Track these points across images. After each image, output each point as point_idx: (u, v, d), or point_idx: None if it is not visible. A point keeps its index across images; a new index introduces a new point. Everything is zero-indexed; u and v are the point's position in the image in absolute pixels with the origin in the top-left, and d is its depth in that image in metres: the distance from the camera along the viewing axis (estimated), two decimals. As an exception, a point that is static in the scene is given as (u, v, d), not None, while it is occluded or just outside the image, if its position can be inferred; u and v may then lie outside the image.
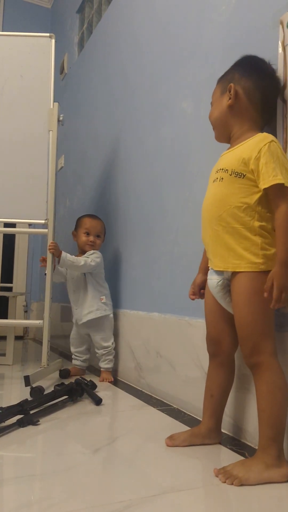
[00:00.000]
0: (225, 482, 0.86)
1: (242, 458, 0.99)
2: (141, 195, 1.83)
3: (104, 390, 1.63)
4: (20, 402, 1.26)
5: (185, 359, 1.40)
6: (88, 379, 1.58)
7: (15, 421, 1.19)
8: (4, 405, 1.25)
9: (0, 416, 1.17)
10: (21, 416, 1.21)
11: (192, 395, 1.35)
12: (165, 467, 0.95)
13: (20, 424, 1.18)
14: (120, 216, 2.04)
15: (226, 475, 0.87)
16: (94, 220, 1.95)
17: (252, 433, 1.08)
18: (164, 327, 1.55)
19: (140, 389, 1.67)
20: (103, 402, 1.43)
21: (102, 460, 0.98)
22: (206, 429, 1.09)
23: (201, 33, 1.46)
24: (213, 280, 1.08)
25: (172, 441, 1.07)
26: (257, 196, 0.97)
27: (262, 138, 0.98)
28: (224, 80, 1.11)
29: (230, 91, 1.06)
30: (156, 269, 1.67)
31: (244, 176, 0.98)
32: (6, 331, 2.25)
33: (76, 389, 1.46)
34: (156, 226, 1.69)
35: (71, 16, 3.20)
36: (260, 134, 1.01)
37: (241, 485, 0.84)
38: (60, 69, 3.29)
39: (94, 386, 1.57)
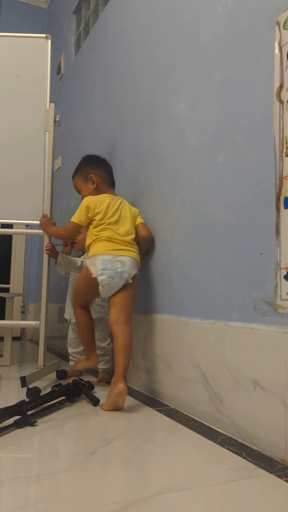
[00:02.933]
0: None
1: (240, 458, 1.00)
2: (137, 196, 1.83)
3: (101, 390, 1.63)
4: (17, 403, 1.26)
5: (182, 360, 1.40)
6: (86, 380, 1.58)
7: (12, 422, 1.18)
8: (1, 406, 1.25)
9: (-3, 417, 1.17)
10: (19, 417, 1.21)
11: (190, 396, 1.35)
12: (162, 467, 0.95)
13: (18, 425, 1.18)
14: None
15: (76, 363, 1.73)
16: None
17: (251, 434, 1.08)
18: (161, 327, 1.55)
19: (137, 390, 1.67)
20: (100, 402, 1.43)
21: (99, 461, 0.98)
22: (92, 360, 1.67)
23: (197, 34, 1.46)
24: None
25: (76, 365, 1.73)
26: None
27: None
28: (81, 173, 1.82)
29: (92, 179, 1.76)
30: (152, 269, 1.67)
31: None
32: (4, 332, 2.25)
33: (74, 390, 1.46)
34: (152, 227, 1.69)
35: (67, 16, 3.20)
36: None
37: None
38: (57, 70, 3.29)
39: (91, 386, 1.57)
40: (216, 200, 1.31)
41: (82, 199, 1.71)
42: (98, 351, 1.87)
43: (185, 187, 1.49)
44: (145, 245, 1.69)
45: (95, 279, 1.53)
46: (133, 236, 1.64)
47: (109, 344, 1.89)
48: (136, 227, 1.68)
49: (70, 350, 2.02)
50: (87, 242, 1.64)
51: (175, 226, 1.53)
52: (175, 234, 1.53)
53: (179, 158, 1.54)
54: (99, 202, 1.64)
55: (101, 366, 1.87)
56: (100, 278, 1.52)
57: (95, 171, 1.76)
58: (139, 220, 1.70)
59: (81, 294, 1.65)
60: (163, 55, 1.69)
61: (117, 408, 1.37)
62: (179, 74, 1.56)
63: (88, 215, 1.62)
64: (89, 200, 1.65)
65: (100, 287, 1.53)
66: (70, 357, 2.01)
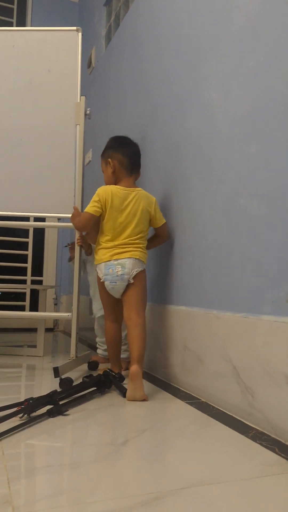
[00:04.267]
0: None
1: (272, 453, 0.98)
2: (168, 188, 1.82)
3: (132, 382, 1.64)
4: (50, 393, 1.29)
5: (213, 353, 1.38)
6: (116, 372, 1.59)
7: (45, 411, 1.21)
8: (35, 395, 1.27)
9: (31, 406, 1.19)
10: (51, 406, 1.23)
11: (221, 389, 1.34)
12: (193, 460, 0.95)
13: (50, 414, 1.20)
14: (147, 209, 2.03)
15: None
16: None
17: (284, 429, 1.06)
18: (192, 320, 1.54)
19: (168, 382, 1.67)
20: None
21: (130, 452, 0.99)
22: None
23: (229, 20, 1.42)
24: None
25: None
26: None
27: None
28: (103, 156, 1.80)
29: (110, 164, 1.76)
30: (183, 262, 1.66)
31: None
32: (37, 324, 2.30)
33: (104, 381, 1.48)
34: (183, 219, 1.67)
35: (98, 9, 3.20)
36: None
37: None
38: (87, 63, 3.30)
39: (122, 378, 1.58)
40: (249, 191, 1.28)
41: (104, 180, 1.76)
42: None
43: (216, 178, 1.47)
44: (160, 243, 1.78)
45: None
46: (141, 234, 1.66)
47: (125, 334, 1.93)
48: (156, 230, 1.74)
49: (97, 339, 2.07)
50: (96, 245, 1.70)
51: (206, 218, 1.51)
52: (206, 226, 1.51)
53: (211, 149, 1.51)
54: (109, 197, 1.65)
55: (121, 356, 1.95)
56: (105, 283, 1.64)
57: (114, 155, 1.72)
58: (160, 217, 1.72)
59: (103, 300, 1.71)
60: (194, 43, 1.66)
61: (136, 394, 1.39)
62: (211, 62, 1.54)
63: (100, 206, 1.66)
64: (99, 193, 1.67)
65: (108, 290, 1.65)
66: (97, 345, 2.07)
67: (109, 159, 1.72)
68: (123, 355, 1.93)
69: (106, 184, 1.73)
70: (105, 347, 2.02)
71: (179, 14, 1.80)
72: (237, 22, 1.38)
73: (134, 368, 1.42)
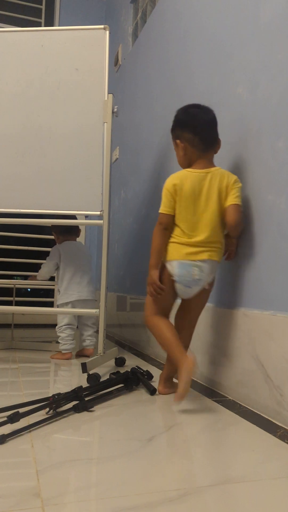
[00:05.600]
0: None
1: (301, 453, 0.96)
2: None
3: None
4: (75, 388, 1.30)
5: (241, 351, 1.37)
6: (145, 369, 1.60)
7: (70, 406, 1.23)
8: (63, 391, 1.29)
9: (57, 401, 1.21)
10: (77, 402, 1.25)
11: (248, 388, 1.32)
12: (221, 458, 0.94)
13: (76, 410, 1.22)
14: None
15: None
16: None
17: (312, 428, 1.04)
18: (219, 318, 1.53)
19: (196, 380, 1.67)
20: (157, 392, 1.44)
21: (157, 448, 0.99)
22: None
23: (256, 13, 1.40)
24: None
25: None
26: None
27: None
28: (172, 136, 1.49)
29: (179, 146, 1.45)
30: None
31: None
32: (65, 320, 2.33)
33: (132, 378, 1.49)
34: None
35: (125, 6, 3.20)
36: None
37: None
38: (114, 61, 3.31)
39: (150, 376, 1.58)
40: (276, 186, 1.26)
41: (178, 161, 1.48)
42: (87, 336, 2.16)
43: (244, 173, 1.45)
44: (234, 233, 1.43)
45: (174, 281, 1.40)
46: (218, 228, 1.38)
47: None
48: (225, 210, 1.38)
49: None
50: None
51: (234, 214, 1.50)
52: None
53: (239, 143, 1.49)
54: (178, 187, 1.37)
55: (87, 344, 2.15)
56: (176, 285, 1.40)
57: (183, 135, 1.42)
58: (231, 199, 1.37)
59: (164, 297, 1.42)
60: (221, 38, 1.64)
61: (186, 389, 1.23)
62: (238, 57, 1.51)
63: (171, 198, 1.39)
64: (167, 185, 1.40)
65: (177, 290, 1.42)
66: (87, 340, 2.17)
67: (178, 141, 1.44)
68: (84, 343, 2.13)
69: (180, 164, 1.47)
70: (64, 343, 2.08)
71: (205, 9, 1.78)
72: (265, 15, 1.36)
73: (191, 356, 1.27)
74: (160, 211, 1.41)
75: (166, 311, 1.46)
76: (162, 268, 1.42)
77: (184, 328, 1.47)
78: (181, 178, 1.39)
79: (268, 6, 1.34)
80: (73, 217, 2.14)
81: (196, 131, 1.40)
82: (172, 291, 1.42)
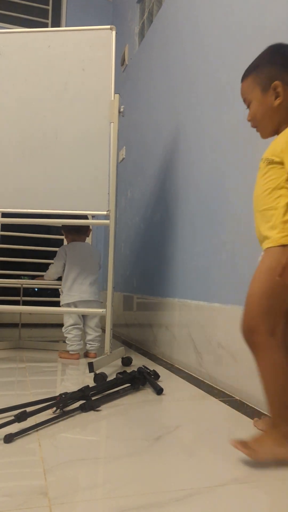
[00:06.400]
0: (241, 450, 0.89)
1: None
2: (202, 184, 1.81)
3: (165, 379, 1.64)
4: (82, 388, 1.30)
5: (247, 351, 1.36)
6: (151, 369, 1.60)
7: (77, 406, 1.23)
8: (70, 390, 1.30)
9: (64, 400, 1.22)
10: (84, 401, 1.25)
11: (255, 387, 1.32)
12: (227, 458, 0.94)
13: (82, 409, 1.22)
14: (179, 207, 2.03)
15: (244, 445, 0.89)
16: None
17: None
18: (226, 317, 1.53)
19: (201, 379, 1.66)
20: (164, 391, 1.44)
21: (164, 448, 0.99)
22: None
23: (264, 13, 1.40)
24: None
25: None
26: (281, 179, 0.96)
27: None
28: (259, 75, 1.05)
29: (276, 90, 1.01)
30: (217, 258, 1.65)
31: (272, 161, 0.98)
32: (71, 319, 2.33)
33: (139, 378, 1.49)
34: (218, 215, 1.66)
35: (131, 6, 3.20)
36: None
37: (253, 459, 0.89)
38: (121, 61, 3.31)
39: (157, 375, 1.58)
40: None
41: (252, 117, 1.07)
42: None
43: (253, 172, 1.44)
44: None
45: None
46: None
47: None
48: None
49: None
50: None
51: (241, 213, 1.49)
52: (241, 222, 1.49)
53: (248, 141, 1.49)
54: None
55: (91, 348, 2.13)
56: None
57: (286, 76, 1.01)
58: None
59: (275, 304, 0.94)
60: (228, 37, 1.64)
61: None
62: (245, 55, 1.51)
63: None
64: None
65: None
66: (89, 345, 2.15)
67: (277, 83, 1.00)
68: (86, 347, 2.12)
69: (258, 121, 1.06)
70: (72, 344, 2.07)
71: (213, 8, 1.78)
72: (271, 23, 1.35)
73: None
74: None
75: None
76: None
77: None
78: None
79: (274, 13, 1.34)
80: (84, 217, 2.14)
81: None
82: None
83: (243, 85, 1.09)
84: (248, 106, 1.09)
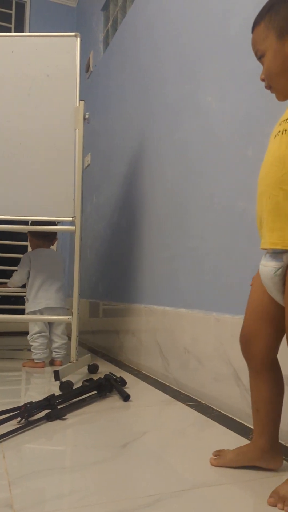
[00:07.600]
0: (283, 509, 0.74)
1: None
2: (167, 191, 1.83)
3: (132, 386, 1.64)
4: (47, 397, 1.28)
5: (213, 355, 1.39)
6: (118, 375, 1.59)
7: (43, 415, 1.21)
8: (35, 399, 1.27)
9: (28, 410, 1.19)
10: (49, 410, 1.23)
11: (221, 391, 1.34)
12: (194, 462, 0.95)
13: (48, 418, 1.20)
14: (146, 212, 2.04)
15: (283, 501, 0.74)
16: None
17: (286, 430, 1.06)
18: (192, 322, 1.54)
19: (168, 384, 1.67)
20: (131, 398, 1.44)
21: (131, 454, 0.99)
22: (257, 448, 0.90)
23: (226, 25, 1.44)
24: (268, 268, 0.81)
25: (217, 461, 0.92)
26: None
27: None
28: (274, 18, 0.81)
29: None
30: (183, 264, 1.67)
31: None
32: (36, 327, 2.29)
33: (105, 385, 1.48)
34: (183, 221, 1.68)
35: (96, 14, 3.21)
36: None
37: None
38: (86, 67, 3.31)
39: (123, 382, 1.58)
40: (247, 194, 1.29)
41: (266, 74, 0.84)
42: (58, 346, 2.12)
43: (214, 181, 1.47)
44: None
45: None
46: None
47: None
48: None
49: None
50: None
51: (206, 221, 1.52)
52: (206, 229, 1.52)
53: (208, 152, 1.52)
54: None
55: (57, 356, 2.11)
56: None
57: None
58: None
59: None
60: (191, 48, 1.67)
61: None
62: (208, 66, 1.55)
63: None
64: None
65: None
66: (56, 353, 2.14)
67: None
68: (52, 355, 2.11)
69: (274, 76, 0.83)
70: (37, 352, 2.05)
71: (176, 19, 1.82)
72: (234, 27, 1.39)
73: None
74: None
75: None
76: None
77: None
78: None
79: (237, 19, 1.38)
80: (52, 223, 2.12)
81: None
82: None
83: (254, 34, 0.86)
84: (260, 57, 0.85)
